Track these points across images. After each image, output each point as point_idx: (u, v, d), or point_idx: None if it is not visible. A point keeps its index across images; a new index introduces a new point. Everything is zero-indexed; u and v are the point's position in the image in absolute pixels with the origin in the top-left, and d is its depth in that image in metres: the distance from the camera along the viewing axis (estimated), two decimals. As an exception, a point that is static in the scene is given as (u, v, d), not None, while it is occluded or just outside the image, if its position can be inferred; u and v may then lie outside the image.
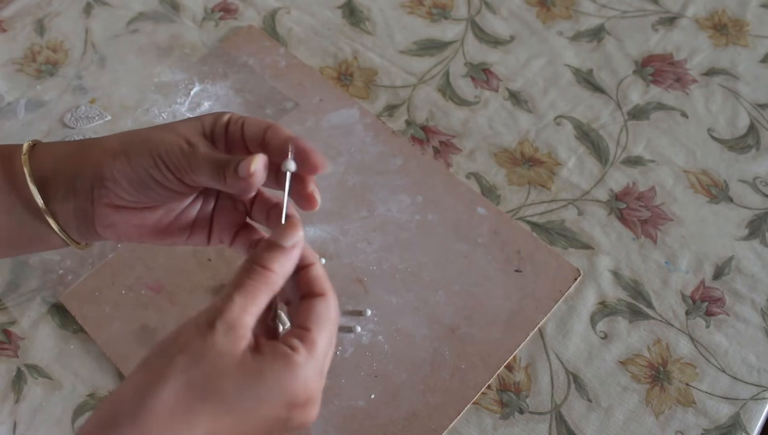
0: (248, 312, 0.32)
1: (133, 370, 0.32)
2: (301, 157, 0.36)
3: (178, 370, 0.30)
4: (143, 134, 0.38)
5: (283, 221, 0.37)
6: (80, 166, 0.39)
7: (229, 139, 0.39)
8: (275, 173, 0.37)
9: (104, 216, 0.39)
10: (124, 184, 0.38)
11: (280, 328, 0.41)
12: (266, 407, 0.31)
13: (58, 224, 0.39)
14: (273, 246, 0.34)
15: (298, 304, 0.35)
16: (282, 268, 0.34)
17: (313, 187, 0.38)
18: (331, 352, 0.35)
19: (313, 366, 0.32)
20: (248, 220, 0.42)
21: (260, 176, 0.35)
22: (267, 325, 0.36)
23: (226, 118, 0.38)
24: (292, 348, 0.32)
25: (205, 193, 0.42)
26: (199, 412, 0.30)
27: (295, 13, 0.77)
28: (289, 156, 0.36)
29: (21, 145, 0.40)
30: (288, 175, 0.37)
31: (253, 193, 0.39)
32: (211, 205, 0.42)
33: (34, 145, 0.41)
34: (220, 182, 0.36)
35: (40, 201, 0.39)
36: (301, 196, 0.38)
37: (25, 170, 0.39)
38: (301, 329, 0.33)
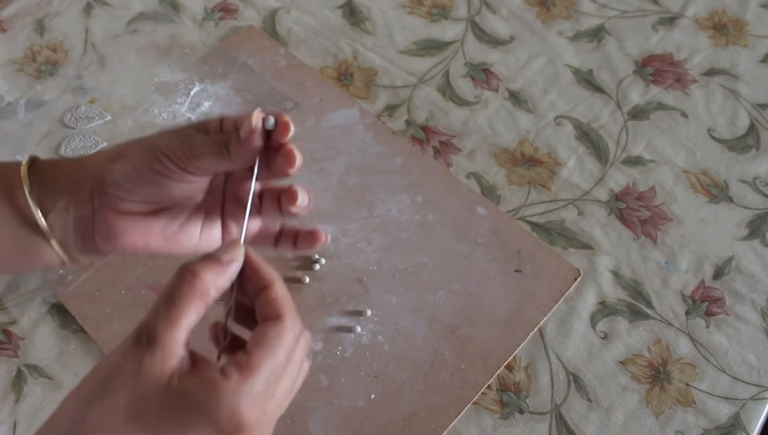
0: (176, 326, 0.31)
1: (66, 397, 0.31)
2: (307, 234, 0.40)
3: (105, 396, 0.30)
4: (140, 138, 0.38)
5: (243, 235, 0.37)
6: (78, 176, 0.38)
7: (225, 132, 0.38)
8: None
9: (107, 225, 0.38)
10: (126, 184, 0.37)
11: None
12: (190, 433, 0.30)
13: (57, 240, 0.38)
14: (208, 256, 0.34)
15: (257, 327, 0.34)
16: (214, 278, 0.33)
17: (290, 144, 0.37)
18: (288, 376, 0.33)
19: (246, 392, 0.30)
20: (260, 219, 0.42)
21: (259, 134, 0.36)
22: (221, 339, 0.35)
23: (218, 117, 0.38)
24: (224, 373, 0.31)
25: (209, 199, 0.41)
26: None
27: (295, 13, 0.77)
28: (258, 115, 0.37)
29: (19, 162, 0.39)
30: (254, 174, 0.37)
31: (254, 158, 0.37)
32: (218, 210, 0.41)
33: (33, 161, 0.40)
34: (224, 158, 0.36)
35: (39, 215, 0.37)
36: (283, 154, 0.37)
37: (24, 186, 0.38)
38: (243, 354, 0.32)
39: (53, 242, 0.38)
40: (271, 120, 0.37)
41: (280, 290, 0.34)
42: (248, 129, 0.35)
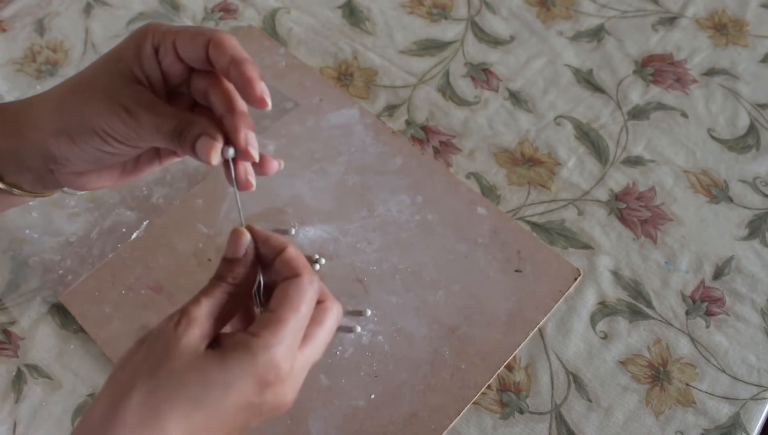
0: (210, 313, 0.33)
1: (102, 387, 0.32)
2: (242, 86, 0.35)
3: (142, 378, 0.31)
4: (77, 109, 0.36)
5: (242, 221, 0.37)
6: (22, 146, 0.37)
7: (165, 70, 0.37)
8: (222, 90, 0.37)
9: (70, 181, 0.38)
10: (77, 160, 0.37)
11: None
12: (234, 395, 0.31)
13: (6, 183, 0.39)
14: (226, 261, 0.36)
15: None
16: (237, 275, 0.35)
17: (261, 89, 0.36)
18: (320, 332, 0.35)
19: (279, 346, 0.32)
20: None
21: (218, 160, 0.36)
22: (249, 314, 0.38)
23: (148, 47, 0.35)
24: (253, 334, 0.32)
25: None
26: (168, 415, 0.30)
27: (295, 13, 0.77)
28: (219, 154, 0.36)
29: None
30: (232, 166, 0.37)
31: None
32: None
33: None
34: (173, 146, 0.36)
35: None
36: (254, 100, 0.36)
37: None
38: (267, 313, 0.33)
39: (16, 191, 0.39)
40: (231, 151, 0.36)
41: (293, 252, 0.35)
42: (204, 159, 0.35)
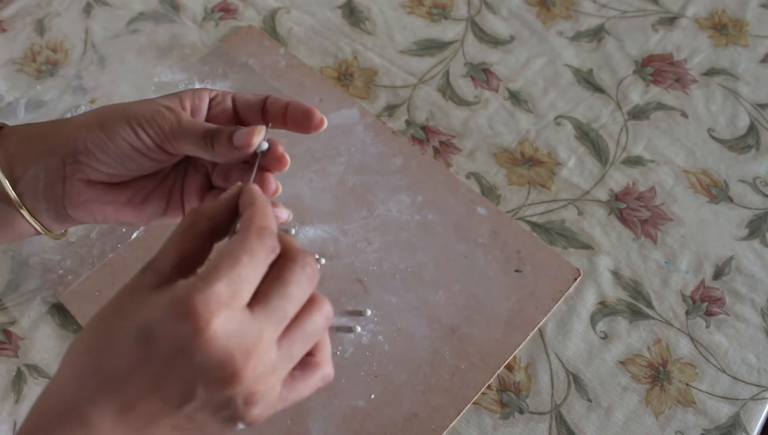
0: (166, 252, 0.31)
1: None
2: (303, 117, 0.38)
3: (81, 340, 0.30)
4: (119, 105, 0.37)
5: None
6: (50, 143, 0.37)
7: (210, 116, 0.39)
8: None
9: (77, 193, 0.37)
10: (100, 155, 0.36)
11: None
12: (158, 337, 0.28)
13: (27, 208, 0.37)
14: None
15: None
16: (207, 209, 0.33)
17: (282, 149, 0.38)
18: (300, 332, 0.30)
19: (200, 287, 0.27)
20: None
21: (254, 147, 0.36)
22: None
23: (207, 95, 0.38)
24: (186, 277, 0.30)
25: (176, 172, 0.41)
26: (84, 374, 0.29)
27: (295, 13, 0.77)
28: (263, 135, 0.37)
29: None
30: (259, 153, 0.38)
31: (235, 160, 0.38)
32: (181, 176, 0.41)
33: (1, 128, 0.39)
34: (206, 149, 0.36)
35: (7, 185, 0.36)
36: (274, 159, 0.38)
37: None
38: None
39: (24, 212, 0.37)
40: (265, 145, 0.37)
41: (257, 209, 0.31)
42: (245, 142, 0.35)
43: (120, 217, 0.39)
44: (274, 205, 0.38)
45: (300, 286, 0.30)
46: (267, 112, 0.39)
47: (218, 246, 0.33)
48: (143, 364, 0.27)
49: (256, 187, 0.33)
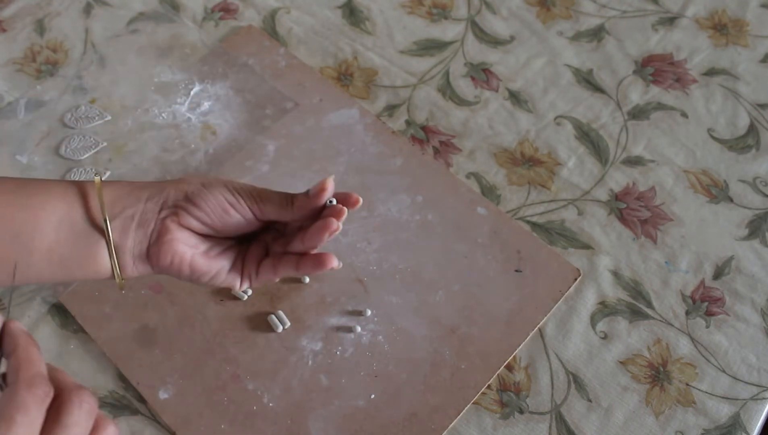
0: None
1: None
2: (341, 199, 0.46)
3: None
4: (213, 175, 0.46)
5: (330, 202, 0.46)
6: (150, 192, 0.44)
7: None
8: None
9: (166, 231, 0.43)
10: (201, 204, 0.43)
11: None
12: None
13: (113, 244, 0.43)
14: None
15: None
16: None
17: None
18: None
19: None
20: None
21: (329, 194, 0.44)
22: None
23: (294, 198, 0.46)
24: None
25: (247, 245, 0.48)
26: None
27: (295, 13, 0.77)
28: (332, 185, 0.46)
29: (89, 181, 0.45)
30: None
31: (310, 216, 0.46)
32: (245, 247, 0.48)
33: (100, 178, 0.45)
34: (286, 208, 0.44)
35: (104, 214, 0.42)
36: (336, 210, 0.45)
37: (96, 189, 0.43)
38: None
39: (111, 246, 0.42)
40: (334, 200, 0.45)
41: (21, 355, 0.32)
42: (320, 187, 0.44)
43: (193, 261, 0.45)
44: (325, 255, 0.46)
45: (80, 425, 0.32)
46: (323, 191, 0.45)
47: None
48: None
49: (17, 327, 0.33)
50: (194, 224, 0.44)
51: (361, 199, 0.46)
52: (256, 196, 0.44)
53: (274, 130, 0.67)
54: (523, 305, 0.58)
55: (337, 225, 0.45)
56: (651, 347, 0.57)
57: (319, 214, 0.45)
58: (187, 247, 0.44)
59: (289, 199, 0.45)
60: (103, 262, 0.44)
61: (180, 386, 0.54)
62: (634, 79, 0.71)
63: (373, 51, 0.73)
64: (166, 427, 0.53)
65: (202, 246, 0.45)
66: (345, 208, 0.45)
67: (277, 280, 0.48)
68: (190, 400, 0.54)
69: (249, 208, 0.44)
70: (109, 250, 0.43)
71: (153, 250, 0.43)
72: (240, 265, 0.47)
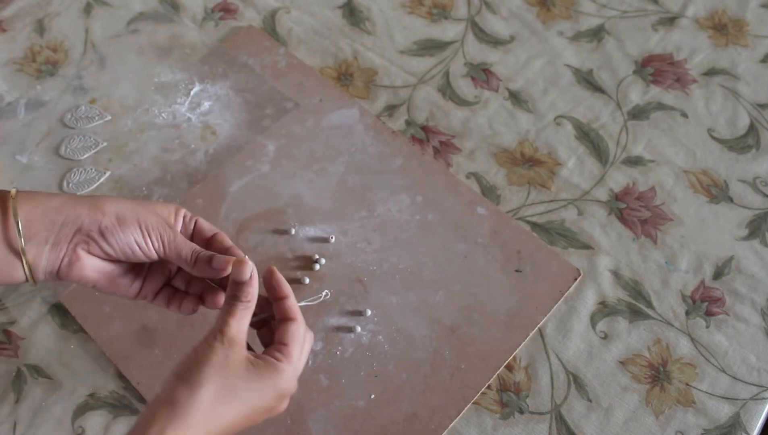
0: (240, 329, 0.43)
1: (168, 382, 0.41)
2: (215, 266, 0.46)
3: (209, 379, 0.41)
4: (132, 205, 0.47)
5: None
6: (66, 217, 0.45)
7: (183, 229, 0.49)
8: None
9: (76, 258, 0.45)
10: (110, 239, 0.45)
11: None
12: (264, 400, 0.44)
13: (29, 262, 0.45)
14: (239, 284, 0.44)
15: (277, 325, 0.45)
16: (249, 294, 0.44)
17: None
18: (303, 360, 0.46)
19: (291, 370, 0.44)
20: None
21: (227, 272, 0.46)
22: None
23: (182, 214, 0.48)
24: (277, 359, 0.44)
25: (155, 267, 0.50)
26: (225, 408, 0.41)
27: (295, 13, 0.77)
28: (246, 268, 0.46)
29: (8, 191, 0.46)
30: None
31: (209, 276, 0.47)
32: (146, 270, 0.50)
33: (18, 192, 0.46)
34: (189, 266, 0.46)
35: (21, 241, 0.44)
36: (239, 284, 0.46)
37: (12, 218, 0.44)
38: (281, 344, 0.44)
39: (25, 264, 0.45)
40: (247, 274, 0.45)
41: (293, 300, 0.46)
42: (220, 265, 0.45)
43: (97, 285, 0.47)
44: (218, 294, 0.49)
45: (309, 349, 0.48)
46: (210, 246, 0.48)
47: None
48: (261, 419, 0.45)
49: (279, 276, 0.46)
50: (101, 254, 0.46)
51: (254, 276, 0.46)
52: (165, 242, 0.46)
53: (274, 130, 0.67)
54: (523, 305, 0.58)
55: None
56: (651, 347, 0.57)
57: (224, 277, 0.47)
58: (93, 273, 0.46)
59: (193, 258, 0.46)
60: (19, 277, 0.46)
61: (180, 386, 0.54)
62: (634, 79, 0.71)
63: (373, 51, 0.73)
64: (166, 427, 0.53)
65: (107, 269, 0.47)
66: (255, 285, 0.46)
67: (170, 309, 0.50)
68: (190, 400, 0.54)
69: (155, 250, 0.46)
70: (25, 270, 0.45)
71: (63, 273, 0.46)
72: (139, 285, 0.49)
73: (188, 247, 0.47)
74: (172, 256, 0.47)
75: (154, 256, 0.46)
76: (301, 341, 0.45)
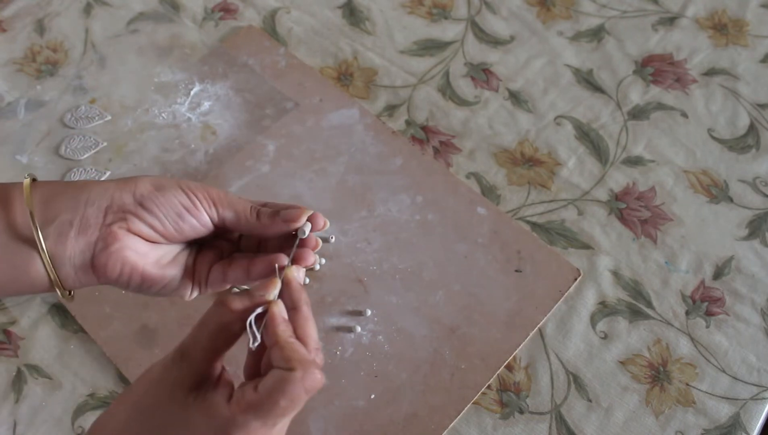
0: (203, 348, 0.35)
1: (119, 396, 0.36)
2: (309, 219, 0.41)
3: (130, 395, 0.35)
4: (169, 178, 0.40)
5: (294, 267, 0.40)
6: (90, 195, 0.38)
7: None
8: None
9: (113, 239, 0.38)
10: (153, 209, 0.38)
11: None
12: None
13: (46, 254, 0.37)
14: (244, 292, 0.37)
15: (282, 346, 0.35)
16: (242, 311, 0.36)
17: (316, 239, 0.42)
18: (288, 419, 0.35)
19: (240, 424, 0.33)
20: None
21: (300, 224, 0.40)
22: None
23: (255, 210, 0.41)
24: (229, 400, 0.34)
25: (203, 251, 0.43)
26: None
27: (295, 13, 0.77)
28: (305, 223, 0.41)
29: (20, 183, 0.39)
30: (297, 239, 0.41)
31: (273, 235, 0.41)
32: (194, 253, 0.43)
33: (34, 180, 0.39)
34: (248, 221, 0.40)
35: (33, 223, 0.37)
36: (309, 242, 0.41)
37: (24, 195, 0.37)
38: (255, 393, 0.33)
39: (44, 256, 0.37)
40: (307, 231, 0.40)
41: (297, 345, 0.35)
42: (291, 217, 0.39)
43: (145, 271, 0.39)
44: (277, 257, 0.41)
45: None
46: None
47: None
48: None
49: (296, 282, 0.38)
50: (145, 231, 0.39)
51: (328, 223, 0.42)
52: (215, 200, 0.40)
53: (274, 130, 0.67)
54: (523, 305, 0.58)
55: (314, 259, 0.41)
56: (651, 347, 0.57)
57: (285, 238, 0.41)
58: (138, 256, 0.38)
59: (254, 211, 0.40)
60: (37, 275, 0.37)
61: (180, 386, 0.54)
62: (634, 79, 0.71)
63: (373, 51, 0.73)
64: (166, 427, 0.53)
65: (153, 253, 0.40)
66: (320, 242, 0.41)
67: (228, 287, 0.42)
68: (190, 400, 0.54)
69: (206, 212, 0.39)
70: (43, 261, 0.37)
71: (99, 261, 0.38)
72: (191, 272, 0.42)
73: (243, 201, 0.40)
74: (227, 215, 0.39)
75: (207, 221, 0.39)
76: (288, 399, 0.33)
